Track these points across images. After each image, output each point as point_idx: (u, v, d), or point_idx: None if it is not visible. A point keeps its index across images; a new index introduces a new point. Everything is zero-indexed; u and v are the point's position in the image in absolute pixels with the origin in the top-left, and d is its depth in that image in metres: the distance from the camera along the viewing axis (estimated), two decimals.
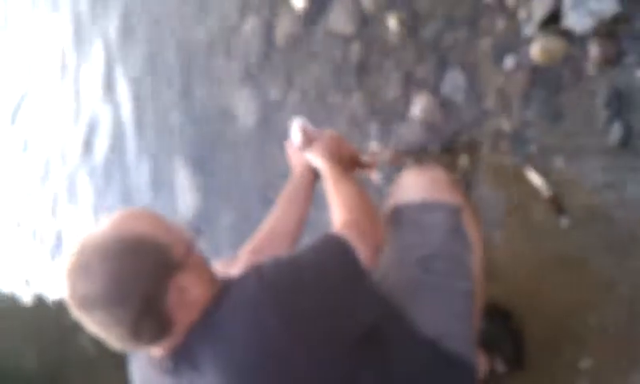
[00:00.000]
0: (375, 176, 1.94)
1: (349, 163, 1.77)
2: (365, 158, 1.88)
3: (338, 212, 1.51)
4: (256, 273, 1.26)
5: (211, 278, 1.32)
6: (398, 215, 1.69)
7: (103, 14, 4.72)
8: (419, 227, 1.64)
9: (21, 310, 4.96)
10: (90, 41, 4.85)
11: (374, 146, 2.29)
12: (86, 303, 1.15)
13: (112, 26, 4.58)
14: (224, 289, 1.27)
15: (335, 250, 1.35)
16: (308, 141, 1.79)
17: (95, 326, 1.17)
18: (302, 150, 1.79)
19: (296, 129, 1.82)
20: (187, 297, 1.22)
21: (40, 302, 4.89)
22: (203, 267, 1.31)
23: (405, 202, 1.69)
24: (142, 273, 1.17)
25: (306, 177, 1.78)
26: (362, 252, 1.34)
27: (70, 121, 5.00)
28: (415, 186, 1.74)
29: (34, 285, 5.08)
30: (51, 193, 5.18)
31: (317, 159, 1.71)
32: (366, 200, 1.55)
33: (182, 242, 1.26)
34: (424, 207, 1.67)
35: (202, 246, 3.09)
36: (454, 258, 1.61)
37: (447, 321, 1.55)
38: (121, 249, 1.16)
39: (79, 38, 5.06)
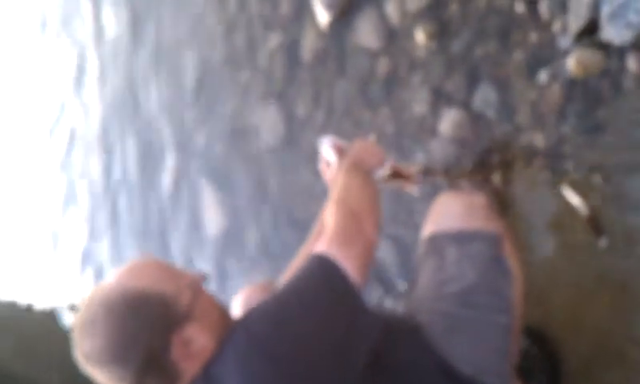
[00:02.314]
0: (413, 189, 1.88)
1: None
2: (394, 165, 1.82)
3: (328, 209, 1.43)
4: (243, 328, 1.22)
5: (220, 320, 1.29)
6: (435, 244, 1.62)
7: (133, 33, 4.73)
8: (457, 258, 1.56)
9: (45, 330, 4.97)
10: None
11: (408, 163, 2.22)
12: (92, 360, 1.16)
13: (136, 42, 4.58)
14: (226, 337, 1.23)
15: (319, 276, 1.27)
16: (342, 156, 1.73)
17: (103, 380, 1.17)
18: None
19: (328, 149, 1.76)
20: (193, 348, 1.21)
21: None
22: (211, 312, 1.28)
23: (441, 231, 1.62)
24: (145, 330, 1.16)
25: None
26: (350, 265, 1.27)
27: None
28: (452, 212, 1.66)
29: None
30: (81, 215, 5.19)
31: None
32: (364, 192, 1.47)
33: (188, 289, 1.24)
34: (462, 236, 1.59)
35: (231, 266, 3.06)
36: (493, 291, 1.53)
37: (485, 357, 1.48)
38: (125, 305, 1.17)
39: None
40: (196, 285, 1.27)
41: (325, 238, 1.33)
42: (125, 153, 4.62)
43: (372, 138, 2.14)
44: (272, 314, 1.22)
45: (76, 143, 5.36)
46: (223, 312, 1.33)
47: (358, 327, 1.26)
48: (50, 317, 5.09)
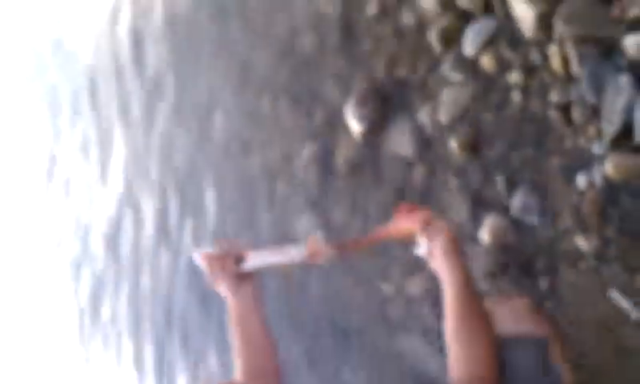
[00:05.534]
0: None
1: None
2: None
3: (454, 362, 1.34)
4: None
5: None
6: None
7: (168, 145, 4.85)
8: (505, 366, 1.54)
9: None
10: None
11: None
12: None
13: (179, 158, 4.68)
14: None
15: None
16: (219, 262, 1.66)
17: None
18: (221, 275, 1.66)
19: (198, 259, 1.70)
20: None
21: None
22: None
23: None
24: None
25: (241, 304, 1.64)
26: None
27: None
28: (497, 316, 1.65)
29: None
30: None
31: (442, 265, 1.44)
32: (490, 353, 1.35)
33: None
34: (509, 342, 1.58)
35: None
36: None
37: None
38: None
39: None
40: None
41: None
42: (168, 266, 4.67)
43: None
44: None
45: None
46: None
47: None
48: None
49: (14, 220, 6.78)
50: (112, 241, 5.17)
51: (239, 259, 1.67)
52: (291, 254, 1.66)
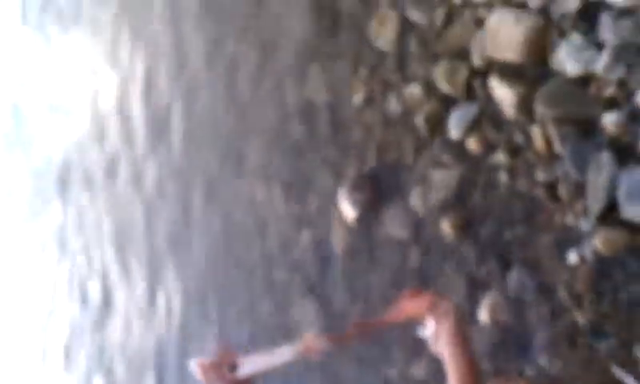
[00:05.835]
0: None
1: None
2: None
3: None
4: None
5: None
6: None
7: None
8: None
9: None
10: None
11: None
12: None
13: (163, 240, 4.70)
14: None
15: None
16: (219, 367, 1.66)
17: None
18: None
19: (194, 368, 1.69)
20: None
21: None
22: None
23: None
24: None
25: None
26: None
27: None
28: None
29: None
30: None
31: (447, 348, 1.43)
32: None
33: None
34: None
35: None
36: None
37: None
38: None
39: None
40: None
41: None
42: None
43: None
44: None
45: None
46: None
47: None
48: None
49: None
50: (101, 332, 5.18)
51: (234, 367, 1.67)
52: (285, 355, 1.65)
